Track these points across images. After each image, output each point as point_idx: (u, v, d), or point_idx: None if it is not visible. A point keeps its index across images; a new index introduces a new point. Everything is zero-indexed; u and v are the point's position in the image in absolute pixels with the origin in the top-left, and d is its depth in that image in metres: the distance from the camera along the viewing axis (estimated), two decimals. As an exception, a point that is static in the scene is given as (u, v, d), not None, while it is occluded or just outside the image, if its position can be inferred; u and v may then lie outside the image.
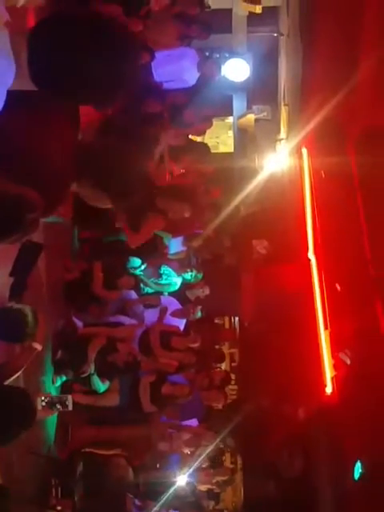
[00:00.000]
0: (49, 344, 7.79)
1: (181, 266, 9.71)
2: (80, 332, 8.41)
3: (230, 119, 13.73)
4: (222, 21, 11.98)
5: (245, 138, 13.65)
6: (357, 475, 10.47)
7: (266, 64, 12.99)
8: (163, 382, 8.67)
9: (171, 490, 8.99)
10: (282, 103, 13.61)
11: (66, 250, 8.80)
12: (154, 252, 9.20)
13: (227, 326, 13.67)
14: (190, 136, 10.52)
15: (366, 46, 11.63)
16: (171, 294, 9.80)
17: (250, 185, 12.13)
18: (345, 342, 11.34)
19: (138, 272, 9.30)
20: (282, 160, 13.73)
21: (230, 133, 14.14)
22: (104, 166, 3.28)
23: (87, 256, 8.87)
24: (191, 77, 9.80)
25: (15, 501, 5.76)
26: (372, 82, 11.82)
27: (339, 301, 11.64)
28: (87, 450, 8.37)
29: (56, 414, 6.83)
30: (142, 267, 9.29)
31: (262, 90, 13.43)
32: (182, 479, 9.25)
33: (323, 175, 12.83)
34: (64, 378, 8.05)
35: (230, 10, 12.42)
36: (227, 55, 12.48)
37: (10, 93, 2.77)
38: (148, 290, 9.64)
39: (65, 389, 7.97)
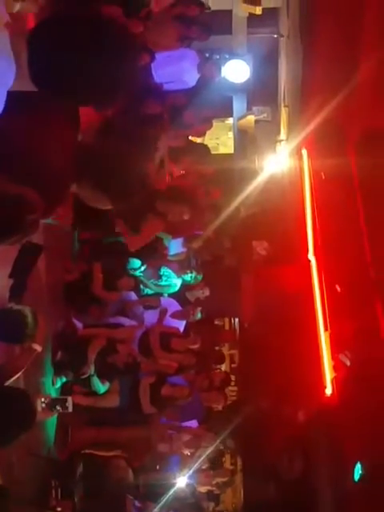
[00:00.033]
0: (49, 345, 7.78)
1: (181, 267, 9.71)
2: (80, 333, 8.41)
3: (230, 120, 13.73)
4: (222, 22, 11.98)
5: (245, 140, 13.65)
6: (357, 477, 10.46)
7: (266, 65, 12.98)
8: (163, 384, 8.67)
9: (171, 492, 8.98)
10: (282, 104, 13.61)
11: (66, 251, 8.79)
12: (153, 253, 9.20)
13: (227, 327, 13.67)
14: (189, 137, 10.52)
15: (366, 48, 11.64)
16: (171, 295, 9.80)
17: (250, 186, 12.13)
18: (345, 344, 11.34)
19: (137, 273, 9.30)
20: (282, 161, 13.73)
21: (230, 134, 14.14)
22: (104, 167, 3.27)
23: (87, 257, 8.86)
24: (191, 78, 9.80)
25: (15, 502, 5.76)
26: (372, 84, 11.82)
27: (339, 302, 11.64)
28: (87, 451, 8.37)
29: (56, 416, 6.85)
30: (142, 268, 9.29)
31: (262, 92, 13.43)
32: (181, 480, 9.24)
33: (323, 176, 12.84)
34: (64, 380, 8.04)
35: (230, 11, 12.42)
36: (227, 56, 12.47)
37: (10, 93, 2.77)
38: (148, 291, 9.64)
39: (65, 390, 7.97)
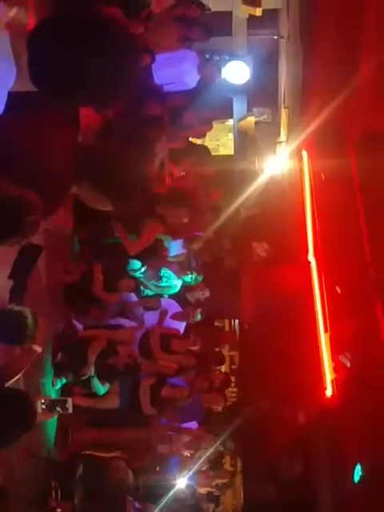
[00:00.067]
0: (49, 346, 7.78)
1: (181, 268, 9.71)
2: (80, 334, 8.40)
3: (231, 122, 13.74)
4: (222, 23, 11.98)
5: (245, 141, 13.66)
6: (357, 478, 10.46)
7: (266, 66, 12.99)
8: (163, 385, 8.67)
9: (171, 493, 8.98)
10: (283, 106, 13.61)
11: (66, 252, 8.79)
12: (154, 254, 9.20)
13: (227, 328, 13.68)
14: (190, 138, 10.53)
15: (366, 49, 11.64)
16: (171, 296, 9.80)
17: (250, 187, 12.13)
18: (345, 345, 11.33)
19: (138, 274, 9.30)
20: (282, 162, 13.73)
21: (230, 135, 14.15)
22: (104, 168, 3.26)
23: (87, 258, 8.86)
24: (191, 79, 9.80)
25: (15, 503, 5.76)
26: (372, 85, 11.82)
27: (339, 303, 11.64)
28: (87, 452, 8.38)
29: (56, 417, 6.84)
30: (142, 269, 9.30)
31: (262, 93, 13.43)
32: (181, 482, 9.24)
33: (323, 178, 12.83)
34: (64, 381, 8.04)
35: (230, 13, 12.43)
36: (227, 58, 12.47)
37: (10, 94, 2.77)
38: (148, 292, 9.64)
39: (65, 391, 7.96)
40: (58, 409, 4.99)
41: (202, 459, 9.47)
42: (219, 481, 10.44)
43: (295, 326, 11.32)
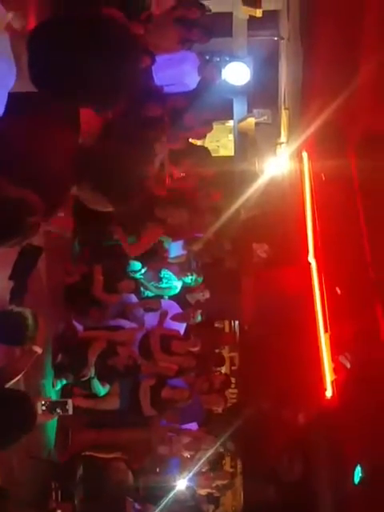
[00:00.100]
0: (49, 347, 7.78)
1: (181, 269, 9.71)
2: (80, 335, 8.41)
3: (231, 123, 13.75)
4: (222, 24, 11.99)
5: (245, 142, 13.66)
6: (357, 479, 10.45)
7: (267, 68, 13.00)
8: (163, 386, 8.67)
9: (171, 494, 8.98)
10: (283, 107, 13.62)
11: (66, 253, 8.79)
12: (154, 256, 9.21)
13: (227, 329, 13.68)
14: (190, 140, 10.53)
15: (366, 50, 11.63)
16: (171, 297, 9.80)
17: (250, 188, 12.12)
18: (345, 346, 11.32)
19: (138, 275, 9.30)
20: (283, 164, 13.73)
21: (231, 136, 14.15)
22: (104, 169, 3.26)
23: (87, 259, 8.86)
24: (192, 80, 9.81)
25: (15, 504, 5.75)
26: (372, 86, 11.82)
27: (339, 304, 11.63)
28: (87, 453, 8.38)
29: (56, 418, 6.83)
30: (143, 271, 9.30)
31: (262, 94, 13.44)
32: (181, 483, 9.24)
33: (323, 179, 12.83)
34: (64, 382, 8.04)
35: (230, 14, 12.43)
36: (228, 59, 12.48)
37: (10, 95, 2.77)
38: (148, 293, 9.64)
39: (65, 392, 7.97)
40: (58, 410, 5.00)
41: (202, 460, 9.47)
42: (219, 482, 10.44)
43: (295, 327, 11.31)
